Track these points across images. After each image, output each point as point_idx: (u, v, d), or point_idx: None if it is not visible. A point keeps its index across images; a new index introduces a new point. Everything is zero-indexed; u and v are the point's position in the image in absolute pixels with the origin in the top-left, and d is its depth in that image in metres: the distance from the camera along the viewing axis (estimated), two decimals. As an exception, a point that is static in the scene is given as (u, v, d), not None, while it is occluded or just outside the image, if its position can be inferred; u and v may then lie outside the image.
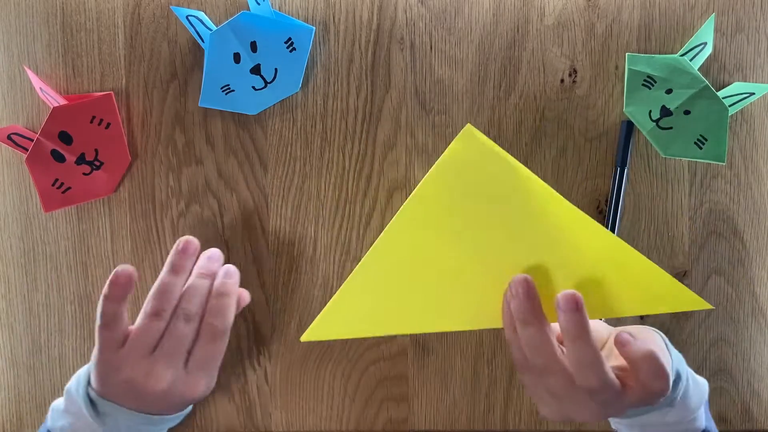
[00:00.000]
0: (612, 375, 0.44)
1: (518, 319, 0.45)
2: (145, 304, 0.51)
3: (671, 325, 0.61)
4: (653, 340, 0.47)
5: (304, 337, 0.49)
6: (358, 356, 0.61)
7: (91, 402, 0.50)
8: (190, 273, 0.52)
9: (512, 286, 0.46)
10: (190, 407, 0.55)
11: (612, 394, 0.44)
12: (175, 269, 0.52)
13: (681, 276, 0.60)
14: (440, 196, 0.47)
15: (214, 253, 0.54)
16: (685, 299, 0.47)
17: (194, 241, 0.53)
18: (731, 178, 0.60)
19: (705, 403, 0.51)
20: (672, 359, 0.47)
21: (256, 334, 0.61)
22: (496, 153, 0.46)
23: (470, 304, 0.48)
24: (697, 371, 0.61)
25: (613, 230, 0.59)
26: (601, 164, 0.60)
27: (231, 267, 0.53)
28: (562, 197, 0.47)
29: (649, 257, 0.60)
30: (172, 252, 0.52)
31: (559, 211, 0.47)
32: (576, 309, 0.44)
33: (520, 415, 0.61)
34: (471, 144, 0.46)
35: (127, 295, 0.49)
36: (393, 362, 0.61)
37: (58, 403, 0.53)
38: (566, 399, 0.45)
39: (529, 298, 0.45)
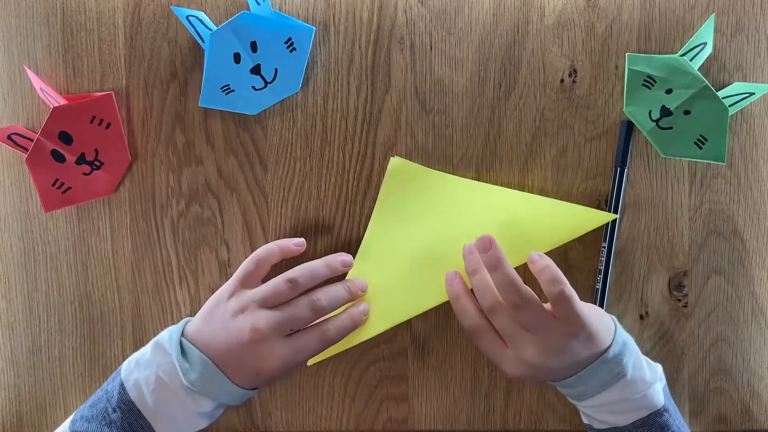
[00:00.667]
0: (530, 291, 0.52)
1: (490, 267, 0.53)
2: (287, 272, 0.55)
3: (671, 325, 0.61)
4: (601, 315, 0.54)
5: (311, 362, 0.57)
6: (358, 356, 0.61)
7: (182, 350, 0.52)
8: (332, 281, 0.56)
9: (480, 243, 0.54)
10: (254, 393, 0.55)
11: (534, 310, 0.51)
12: (329, 266, 0.56)
13: (681, 275, 0.60)
14: (390, 211, 0.59)
15: (364, 284, 0.57)
16: (592, 217, 0.58)
17: (351, 261, 0.58)
18: (731, 178, 0.60)
19: (665, 387, 0.55)
20: (616, 330, 0.54)
21: (256, 334, 0.61)
22: (421, 169, 0.59)
23: (437, 283, 0.57)
24: (697, 371, 0.61)
25: (613, 231, 0.59)
26: (601, 164, 0.60)
27: (368, 307, 0.57)
28: (477, 181, 0.59)
29: (649, 257, 0.60)
30: (331, 257, 0.57)
31: (479, 191, 0.59)
32: (490, 246, 0.53)
33: (520, 415, 0.61)
34: (401, 168, 0.59)
35: (280, 259, 0.56)
36: (393, 362, 0.61)
37: (140, 355, 0.54)
38: (513, 338, 0.52)
39: (495, 248, 0.53)
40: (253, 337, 0.52)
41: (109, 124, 0.58)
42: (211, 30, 0.56)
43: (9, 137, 0.56)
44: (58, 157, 0.57)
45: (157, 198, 0.60)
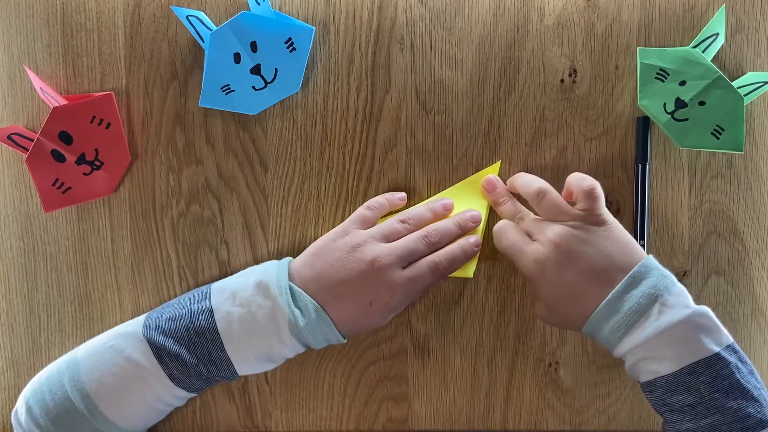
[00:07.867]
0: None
1: (540, 188, 0.56)
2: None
3: (671, 325, 0.61)
4: (631, 241, 0.55)
5: None
6: (358, 356, 0.61)
7: (292, 294, 0.54)
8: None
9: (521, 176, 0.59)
10: (344, 341, 0.56)
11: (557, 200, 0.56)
12: (432, 210, 0.59)
13: (681, 276, 0.60)
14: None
15: (476, 216, 0.59)
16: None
17: (451, 206, 0.60)
18: (731, 178, 0.60)
19: (729, 344, 0.51)
20: (648, 259, 0.53)
21: (256, 334, 0.61)
22: None
23: None
24: (697, 371, 0.61)
25: (642, 228, 0.59)
26: (601, 164, 0.60)
27: (479, 239, 0.59)
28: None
29: (649, 257, 0.60)
30: (432, 202, 0.59)
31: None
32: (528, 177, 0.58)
33: (520, 415, 0.61)
34: None
35: (388, 210, 0.59)
36: (393, 362, 0.61)
37: (236, 286, 0.55)
38: (559, 216, 0.55)
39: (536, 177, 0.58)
40: (374, 267, 0.54)
41: (109, 124, 0.58)
42: (211, 30, 0.56)
43: (9, 137, 0.56)
44: (58, 157, 0.57)
45: (157, 198, 0.60)
